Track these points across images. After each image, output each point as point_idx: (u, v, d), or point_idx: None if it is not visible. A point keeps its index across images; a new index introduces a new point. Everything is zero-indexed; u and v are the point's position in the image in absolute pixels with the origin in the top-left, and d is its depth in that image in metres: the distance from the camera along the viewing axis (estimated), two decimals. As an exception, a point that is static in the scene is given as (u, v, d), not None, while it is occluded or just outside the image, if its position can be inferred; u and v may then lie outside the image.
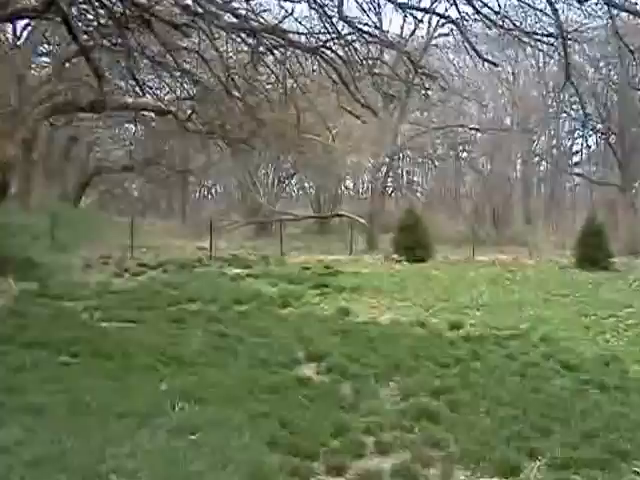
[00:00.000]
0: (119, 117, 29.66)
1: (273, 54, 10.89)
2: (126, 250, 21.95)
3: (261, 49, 10.27)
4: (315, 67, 10.85)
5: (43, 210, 23.76)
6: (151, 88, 18.12)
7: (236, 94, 12.86)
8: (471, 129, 30.38)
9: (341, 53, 10.12)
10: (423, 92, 11.85)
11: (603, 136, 33.46)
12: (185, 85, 17.06)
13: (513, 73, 34.91)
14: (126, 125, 36.11)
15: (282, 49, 10.48)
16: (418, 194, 39.34)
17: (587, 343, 10.33)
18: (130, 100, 16.78)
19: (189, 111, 17.66)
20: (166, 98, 19.21)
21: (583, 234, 20.91)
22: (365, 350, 9.14)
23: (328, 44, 10.11)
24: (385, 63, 12.21)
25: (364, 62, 10.39)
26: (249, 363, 8.31)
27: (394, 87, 19.38)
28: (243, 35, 10.51)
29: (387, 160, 28.25)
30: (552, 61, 35.30)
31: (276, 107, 16.36)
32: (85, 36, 10.64)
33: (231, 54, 12.50)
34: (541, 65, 35.68)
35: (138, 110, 19.37)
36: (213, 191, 52.62)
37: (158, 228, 35.09)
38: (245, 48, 11.31)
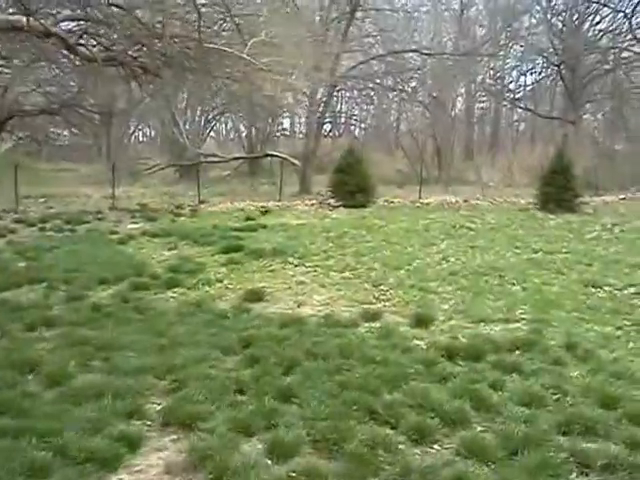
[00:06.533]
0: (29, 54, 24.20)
1: None
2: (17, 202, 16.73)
3: None
4: None
5: None
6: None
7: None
8: (423, 54, 25.01)
9: None
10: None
11: (556, 68, 28.97)
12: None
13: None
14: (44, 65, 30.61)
15: None
16: (357, 132, 34.52)
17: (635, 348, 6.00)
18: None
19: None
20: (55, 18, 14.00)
21: (549, 172, 16.58)
22: (277, 393, 4.59)
23: None
24: None
25: None
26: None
27: None
28: None
29: (326, 93, 23.24)
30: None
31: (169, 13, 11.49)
32: None
33: None
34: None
35: (9, 31, 14.33)
36: (147, 133, 47.01)
37: (78, 174, 30.21)
38: None
